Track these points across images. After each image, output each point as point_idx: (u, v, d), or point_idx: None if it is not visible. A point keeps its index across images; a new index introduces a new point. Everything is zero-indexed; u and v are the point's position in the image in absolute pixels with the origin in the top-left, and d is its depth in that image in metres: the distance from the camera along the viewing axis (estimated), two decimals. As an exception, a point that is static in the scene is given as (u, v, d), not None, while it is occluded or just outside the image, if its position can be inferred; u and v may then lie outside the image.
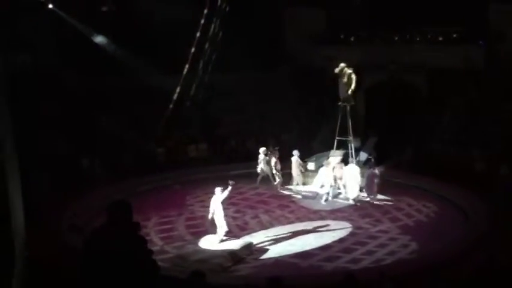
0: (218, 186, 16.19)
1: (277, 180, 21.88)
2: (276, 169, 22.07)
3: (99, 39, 26.61)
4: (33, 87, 23.08)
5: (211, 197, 16.32)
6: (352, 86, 22.29)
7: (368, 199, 20.20)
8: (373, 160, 23.80)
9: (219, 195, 15.89)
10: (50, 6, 25.19)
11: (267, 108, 28.86)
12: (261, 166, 22.15)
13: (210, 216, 16.01)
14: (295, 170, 21.99)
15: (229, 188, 16.15)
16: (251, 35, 28.15)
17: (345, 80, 22.24)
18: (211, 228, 16.53)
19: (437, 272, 10.47)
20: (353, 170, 20.25)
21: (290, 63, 30.55)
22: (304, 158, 22.85)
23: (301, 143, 26.69)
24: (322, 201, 20.16)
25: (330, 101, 24.87)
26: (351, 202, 20.05)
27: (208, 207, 17.60)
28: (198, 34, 12.68)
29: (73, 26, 26.00)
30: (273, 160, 22.35)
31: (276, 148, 23.33)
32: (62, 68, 25.50)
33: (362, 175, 20.38)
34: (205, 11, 12.71)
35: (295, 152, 21.99)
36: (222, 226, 15.94)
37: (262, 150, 22.28)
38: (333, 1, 29.71)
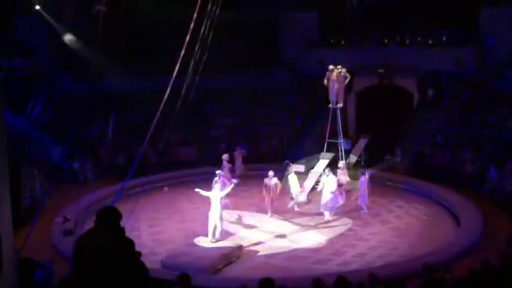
0: (217, 182, 16.65)
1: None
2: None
3: (68, 37, 26.30)
4: (28, 90, 23.06)
5: (201, 198, 16.49)
6: (348, 76, 22.31)
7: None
8: (363, 162, 23.92)
9: (218, 191, 16.17)
10: (37, 7, 25.04)
11: (260, 111, 28.93)
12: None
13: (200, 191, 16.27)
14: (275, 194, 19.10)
15: (232, 185, 16.84)
16: (245, 37, 28.27)
17: (337, 79, 22.25)
18: (202, 229, 16.62)
19: (429, 275, 10.48)
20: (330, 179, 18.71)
21: (284, 66, 30.69)
22: (294, 161, 22.90)
23: (292, 146, 26.84)
24: (289, 205, 19.52)
25: (321, 103, 24.94)
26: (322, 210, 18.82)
27: (200, 208, 17.77)
28: (188, 36, 12.61)
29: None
30: (237, 162, 22.65)
31: (242, 151, 23.44)
32: (57, 72, 25.53)
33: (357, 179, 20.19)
34: (195, 15, 12.63)
35: (271, 173, 19.00)
36: (218, 225, 16.04)
37: (224, 157, 21.26)
38: (325, 5, 29.78)
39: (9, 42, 25.99)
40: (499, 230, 16.08)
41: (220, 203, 16.14)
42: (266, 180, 18.87)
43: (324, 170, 19.68)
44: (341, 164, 20.90)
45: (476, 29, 26.84)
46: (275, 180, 18.88)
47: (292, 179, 19.60)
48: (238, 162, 23.25)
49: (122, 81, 26.32)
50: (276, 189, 18.83)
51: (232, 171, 21.21)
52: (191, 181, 21.90)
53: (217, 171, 18.25)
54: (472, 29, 26.78)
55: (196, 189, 16.59)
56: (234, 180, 17.29)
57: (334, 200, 18.52)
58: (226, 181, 18.37)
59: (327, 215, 18.41)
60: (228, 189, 16.66)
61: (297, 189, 19.62)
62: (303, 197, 19.81)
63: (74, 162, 23.20)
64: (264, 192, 18.98)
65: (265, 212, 18.95)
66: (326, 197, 18.36)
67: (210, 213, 16.09)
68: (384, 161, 25.00)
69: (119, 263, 5.00)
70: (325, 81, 22.16)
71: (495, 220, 17.44)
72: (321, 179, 19.35)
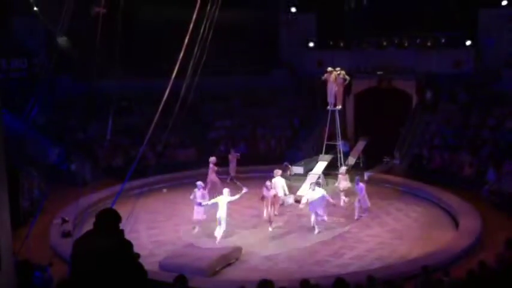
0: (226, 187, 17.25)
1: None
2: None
3: (62, 39, 26.17)
4: (26, 91, 23.03)
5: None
6: (347, 78, 22.43)
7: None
8: (361, 165, 23.94)
9: (227, 196, 16.55)
10: (35, 8, 24.95)
11: (259, 113, 28.94)
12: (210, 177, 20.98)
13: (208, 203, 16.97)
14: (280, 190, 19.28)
15: (243, 191, 16.82)
16: (244, 39, 28.27)
17: (335, 81, 22.29)
18: (201, 231, 16.68)
19: (427, 277, 10.49)
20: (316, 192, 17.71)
21: (282, 68, 30.71)
22: (292, 163, 22.91)
23: (291, 147, 26.84)
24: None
25: (320, 105, 24.96)
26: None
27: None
28: (187, 37, 12.62)
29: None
30: (231, 165, 22.99)
31: (237, 154, 23.48)
32: (56, 72, 25.44)
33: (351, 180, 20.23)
34: (194, 16, 12.63)
35: (268, 183, 18.44)
36: (222, 226, 16.36)
37: (212, 159, 21.16)
38: (323, 7, 29.78)
39: (7, 43, 25.97)
40: (498, 232, 16.06)
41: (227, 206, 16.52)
42: (265, 191, 18.20)
43: (310, 184, 18.50)
44: (342, 169, 20.86)
45: (474, 30, 26.84)
46: (274, 191, 18.27)
47: (278, 182, 19.32)
48: (232, 164, 23.41)
49: (121, 83, 26.29)
50: (275, 200, 18.18)
51: (218, 173, 21.21)
52: (190, 183, 21.88)
53: (198, 182, 17.83)
54: (470, 30, 26.76)
55: (203, 203, 16.99)
56: (244, 189, 17.22)
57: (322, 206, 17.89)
58: (202, 191, 17.93)
59: (313, 220, 17.59)
60: (237, 196, 16.75)
61: (284, 192, 19.48)
62: (290, 200, 19.78)
63: (72, 164, 23.15)
64: (264, 202, 18.32)
65: (263, 217, 18.58)
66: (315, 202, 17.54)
67: (218, 214, 16.40)
68: (383, 163, 25.01)
69: (117, 265, 5.00)
70: (324, 77, 22.23)
71: (494, 222, 17.46)
72: (305, 195, 18.31)
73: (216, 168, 21.09)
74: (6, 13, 25.48)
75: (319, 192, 17.67)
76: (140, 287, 5.19)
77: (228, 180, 22.97)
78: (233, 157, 23.58)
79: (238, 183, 18.88)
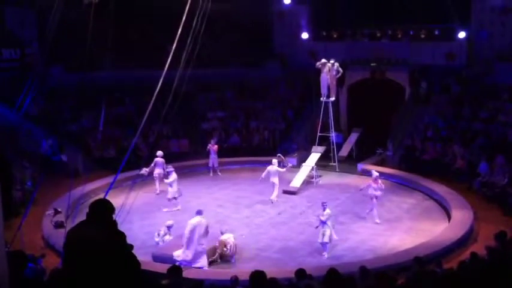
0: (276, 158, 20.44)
1: None
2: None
3: None
4: (19, 82, 22.92)
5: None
6: (340, 71, 22.58)
7: None
8: (354, 156, 24.01)
9: (276, 166, 19.74)
10: None
11: (252, 104, 28.94)
12: (156, 171, 20.72)
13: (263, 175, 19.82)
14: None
15: (289, 165, 20.87)
16: (237, 30, 28.18)
17: (328, 72, 22.39)
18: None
19: (419, 268, 10.52)
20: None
21: (275, 60, 30.70)
22: (285, 155, 22.92)
23: (284, 139, 26.84)
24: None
25: (313, 96, 24.97)
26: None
27: (191, 201, 17.73)
28: (180, 28, 12.56)
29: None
30: (211, 156, 23.08)
31: (213, 141, 23.53)
32: (48, 63, 25.33)
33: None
34: (187, 7, 12.56)
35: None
36: (276, 190, 19.62)
37: (159, 153, 20.86)
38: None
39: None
40: (489, 224, 16.19)
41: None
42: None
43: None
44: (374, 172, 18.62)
45: (467, 23, 26.88)
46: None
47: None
48: (212, 155, 23.26)
49: (113, 73, 26.25)
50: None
51: (163, 168, 20.68)
52: (183, 174, 21.89)
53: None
54: (463, 23, 26.81)
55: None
56: (290, 164, 21.20)
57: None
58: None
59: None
60: (284, 169, 20.12)
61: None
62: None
63: (63, 155, 23.06)
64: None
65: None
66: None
67: (271, 180, 19.67)
68: (376, 155, 25.08)
69: (110, 255, 4.99)
70: (318, 64, 22.42)
71: (485, 214, 17.56)
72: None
73: (163, 160, 20.67)
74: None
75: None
76: (133, 277, 5.19)
77: (211, 174, 23.07)
78: (211, 148, 23.34)
79: (289, 164, 21.38)
